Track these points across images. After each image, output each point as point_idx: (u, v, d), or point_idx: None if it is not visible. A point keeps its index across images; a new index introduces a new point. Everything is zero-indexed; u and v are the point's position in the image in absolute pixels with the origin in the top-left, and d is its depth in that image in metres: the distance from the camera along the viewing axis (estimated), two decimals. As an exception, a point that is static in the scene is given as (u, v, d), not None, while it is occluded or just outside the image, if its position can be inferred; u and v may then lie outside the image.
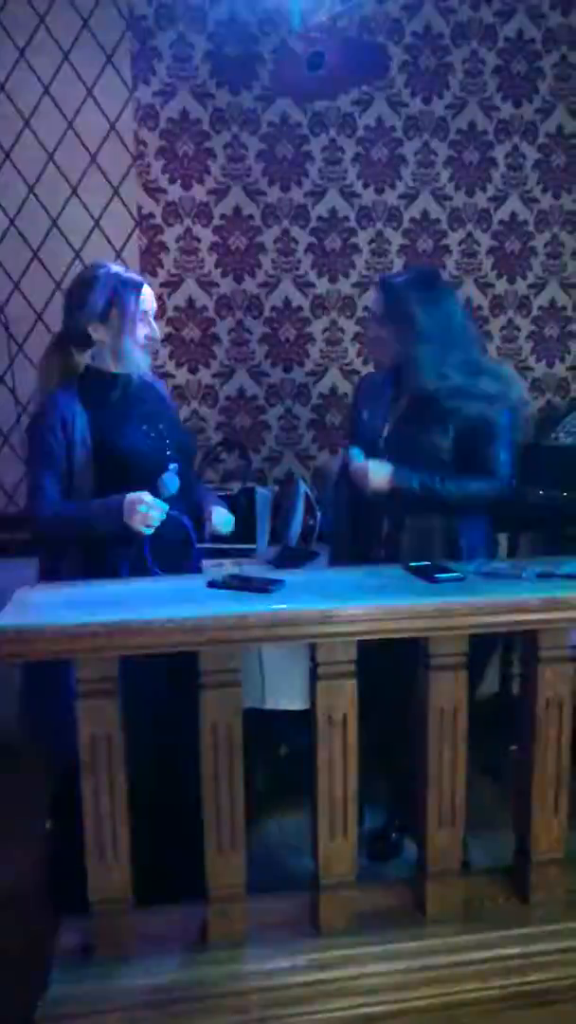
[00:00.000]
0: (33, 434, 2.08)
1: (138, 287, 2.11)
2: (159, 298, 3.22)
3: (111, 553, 2.05)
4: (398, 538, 2.26)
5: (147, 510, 1.96)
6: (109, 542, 2.02)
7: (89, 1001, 1.76)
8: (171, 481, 2.08)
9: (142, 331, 2.12)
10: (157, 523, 1.98)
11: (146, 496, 1.97)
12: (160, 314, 3.25)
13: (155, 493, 2.01)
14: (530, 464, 3.23)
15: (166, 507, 2.00)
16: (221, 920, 1.87)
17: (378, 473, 2.19)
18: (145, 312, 2.12)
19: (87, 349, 2.10)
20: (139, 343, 2.11)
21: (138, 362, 2.12)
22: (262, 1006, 1.81)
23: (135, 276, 2.15)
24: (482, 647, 1.98)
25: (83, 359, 2.11)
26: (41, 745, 2.15)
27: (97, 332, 2.08)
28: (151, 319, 2.14)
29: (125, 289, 2.09)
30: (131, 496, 1.97)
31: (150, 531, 1.97)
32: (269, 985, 1.82)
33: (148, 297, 2.13)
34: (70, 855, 1.83)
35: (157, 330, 2.17)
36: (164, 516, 1.99)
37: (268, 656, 2.55)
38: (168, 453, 2.13)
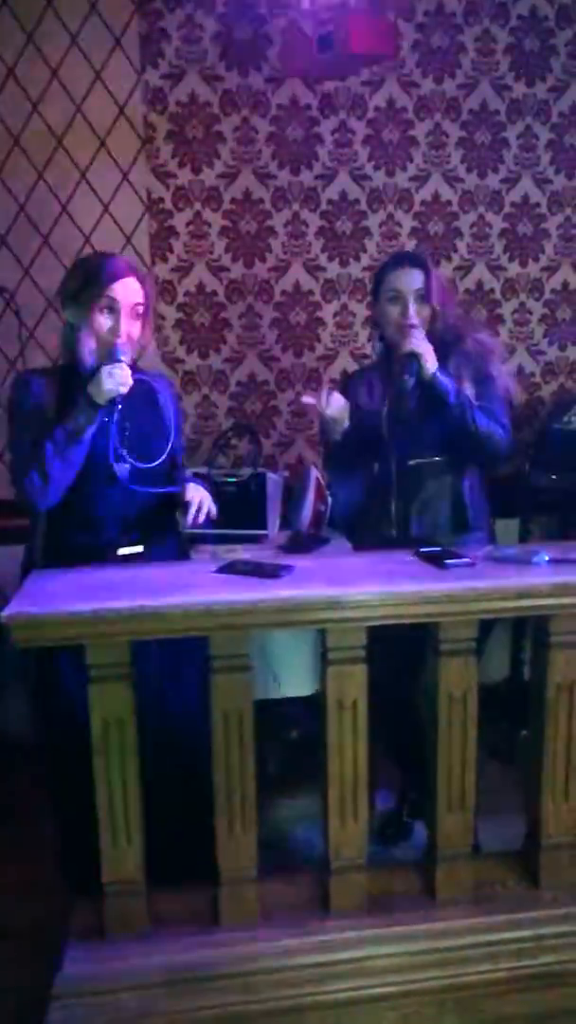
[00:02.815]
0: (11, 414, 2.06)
1: (110, 275, 1.98)
2: (168, 283, 3.21)
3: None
4: (407, 514, 2.30)
5: (112, 371, 1.91)
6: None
7: (102, 980, 1.79)
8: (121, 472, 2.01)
9: (103, 322, 1.99)
10: (122, 380, 1.92)
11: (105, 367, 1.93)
12: (170, 299, 3.25)
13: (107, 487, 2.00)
14: (542, 448, 3.22)
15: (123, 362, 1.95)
16: (232, 901, 1.89)
17: (433, 359, 2.21)
18: (113, 300, 1.97)
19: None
20: (98, 333, 1.99)
21: (87, 355, 2.00)
22: (272, 986, 1.83)
23: (118, 264, 2.03)
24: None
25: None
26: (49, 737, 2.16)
27: (66, 313, 2.03)
28: (121, 314, 1.98)
29: (93, 274, 2.00)
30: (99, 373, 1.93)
31: (125, 389, 1.92)
32: (279, 966, 1.84)
33: (121, 289, 1.98)
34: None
35: (122, 327, 1.98)
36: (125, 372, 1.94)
37: (275, 642, 2.56)
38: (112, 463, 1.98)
